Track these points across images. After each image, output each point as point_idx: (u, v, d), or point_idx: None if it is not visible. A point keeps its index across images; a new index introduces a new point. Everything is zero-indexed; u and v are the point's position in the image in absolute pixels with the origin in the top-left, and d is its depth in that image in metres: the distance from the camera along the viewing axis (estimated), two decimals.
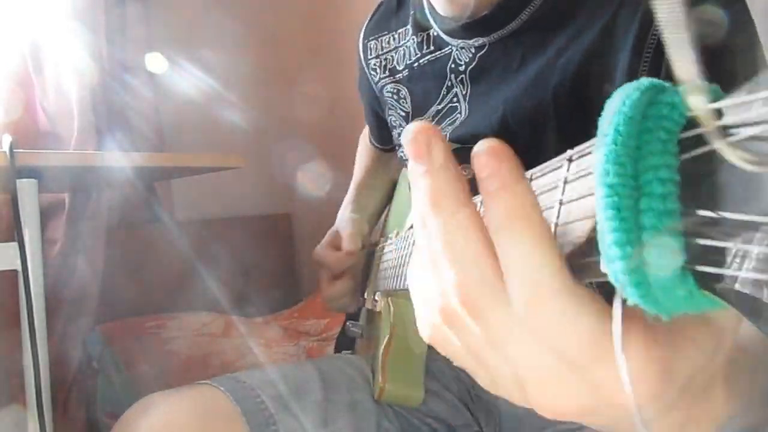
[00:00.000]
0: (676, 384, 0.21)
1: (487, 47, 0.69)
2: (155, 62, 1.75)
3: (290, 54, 2.21)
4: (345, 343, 0.95)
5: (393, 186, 0.98)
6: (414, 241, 0.56)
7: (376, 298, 0.80)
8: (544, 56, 0.64)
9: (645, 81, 0.19)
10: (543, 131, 0.63)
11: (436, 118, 0.76)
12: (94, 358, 1.49)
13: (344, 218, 0.93)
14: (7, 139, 0.80)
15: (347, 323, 0.92)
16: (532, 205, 0.22)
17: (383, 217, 0.99)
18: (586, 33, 0.61)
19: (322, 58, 2.15)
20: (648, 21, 0.56)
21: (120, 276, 1.54)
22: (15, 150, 0.80)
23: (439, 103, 0.76)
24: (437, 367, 0.76)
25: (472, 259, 0.24)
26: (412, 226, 0.71)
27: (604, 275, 0.19)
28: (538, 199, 0.22)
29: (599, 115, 0.20)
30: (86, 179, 1.24)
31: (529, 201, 0.22)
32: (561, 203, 0.22)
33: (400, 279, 0.60)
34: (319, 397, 0.70)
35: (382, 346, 0.70)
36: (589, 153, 0.21)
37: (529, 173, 0.26)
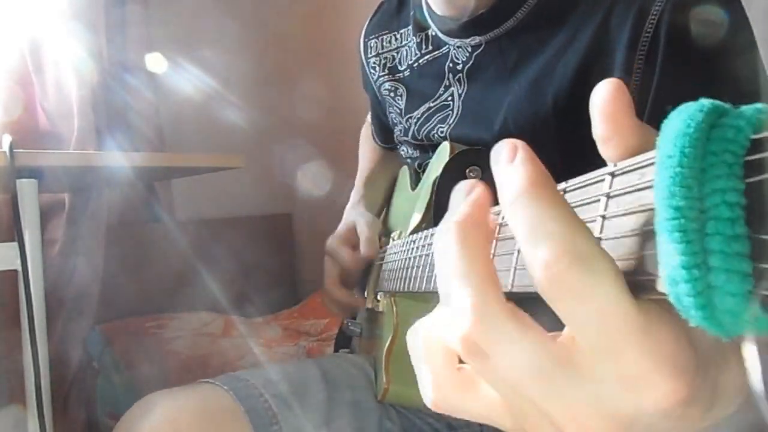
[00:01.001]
0: (699, 356, 0.21)
1: (483, 46, 0.70)
2: (155, 62, 1.75)
3: (290, 54, 2.21)
4: (343, 341, 0.95)
5: (393, 183, 0.98)
6: (421, 246, 0.56)
7: (379, 297, 0.80)
8: (541, 59, 0.64)
9: (707, 103, 0.19)
10: (543, 135, 0.63)
11: (426, 115, 0.77)
12: (94, 358, 1.50)
13: (361, 216, 0.90)
14: (7, 139, 0.80)
15: (346, 322, 0.92)
16: (567, 207, 0.20)
17: (382, 215, 0.98)
18: (582, 33, 0.61)
19: (322, 58, 2.15)
20: (643, 15, 0.56)
21: (120, 276, 1.54)
22: (15, 150, 0.80)
23: (434, 101, 0.76)
24: None
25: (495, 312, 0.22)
26: (415, 230, 0.71)
27: (662, 294, 0.19)
28: (576, 212, 0.21)
29: None
30: (86, 179, 1.24)
31: (565, 204, 0.20)
32: (604, 218, 0.22)
33: (405, 282, 0.60)
34: (322, 396, 0.70)
35: (385, 347, 0.69)
36: (635, 170, 0.21)
37: (561, 186, 0.25)
